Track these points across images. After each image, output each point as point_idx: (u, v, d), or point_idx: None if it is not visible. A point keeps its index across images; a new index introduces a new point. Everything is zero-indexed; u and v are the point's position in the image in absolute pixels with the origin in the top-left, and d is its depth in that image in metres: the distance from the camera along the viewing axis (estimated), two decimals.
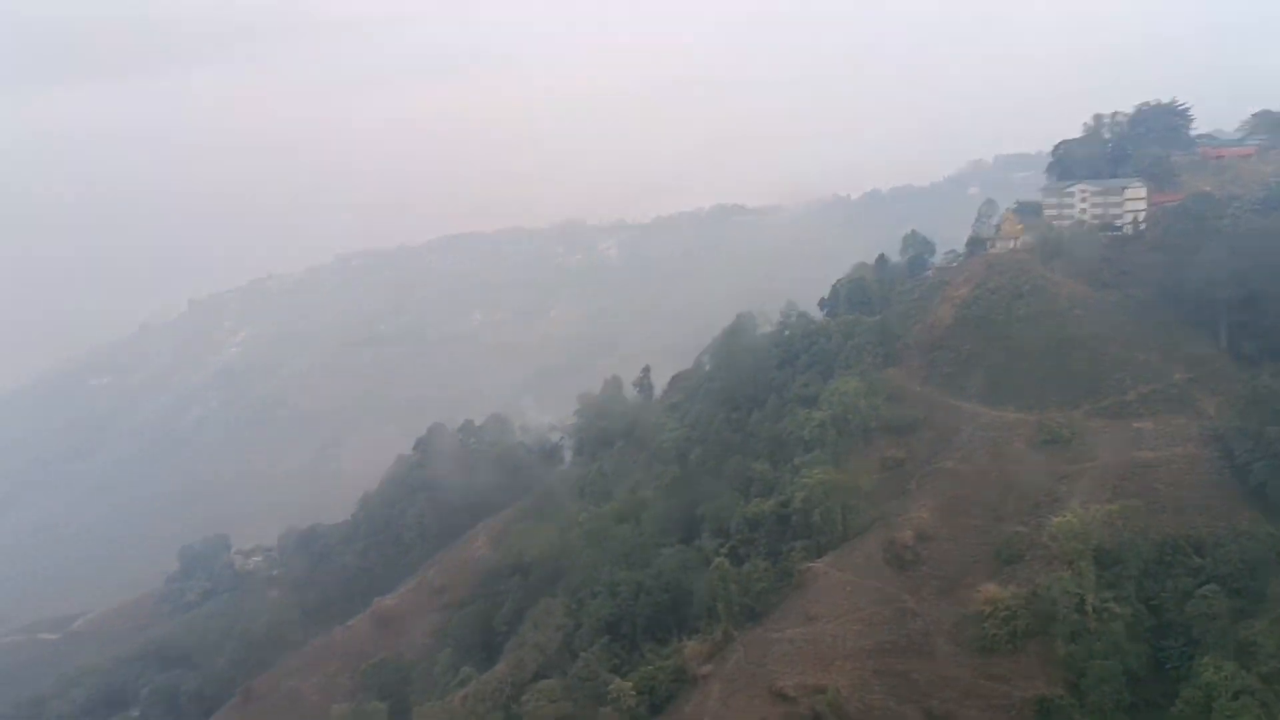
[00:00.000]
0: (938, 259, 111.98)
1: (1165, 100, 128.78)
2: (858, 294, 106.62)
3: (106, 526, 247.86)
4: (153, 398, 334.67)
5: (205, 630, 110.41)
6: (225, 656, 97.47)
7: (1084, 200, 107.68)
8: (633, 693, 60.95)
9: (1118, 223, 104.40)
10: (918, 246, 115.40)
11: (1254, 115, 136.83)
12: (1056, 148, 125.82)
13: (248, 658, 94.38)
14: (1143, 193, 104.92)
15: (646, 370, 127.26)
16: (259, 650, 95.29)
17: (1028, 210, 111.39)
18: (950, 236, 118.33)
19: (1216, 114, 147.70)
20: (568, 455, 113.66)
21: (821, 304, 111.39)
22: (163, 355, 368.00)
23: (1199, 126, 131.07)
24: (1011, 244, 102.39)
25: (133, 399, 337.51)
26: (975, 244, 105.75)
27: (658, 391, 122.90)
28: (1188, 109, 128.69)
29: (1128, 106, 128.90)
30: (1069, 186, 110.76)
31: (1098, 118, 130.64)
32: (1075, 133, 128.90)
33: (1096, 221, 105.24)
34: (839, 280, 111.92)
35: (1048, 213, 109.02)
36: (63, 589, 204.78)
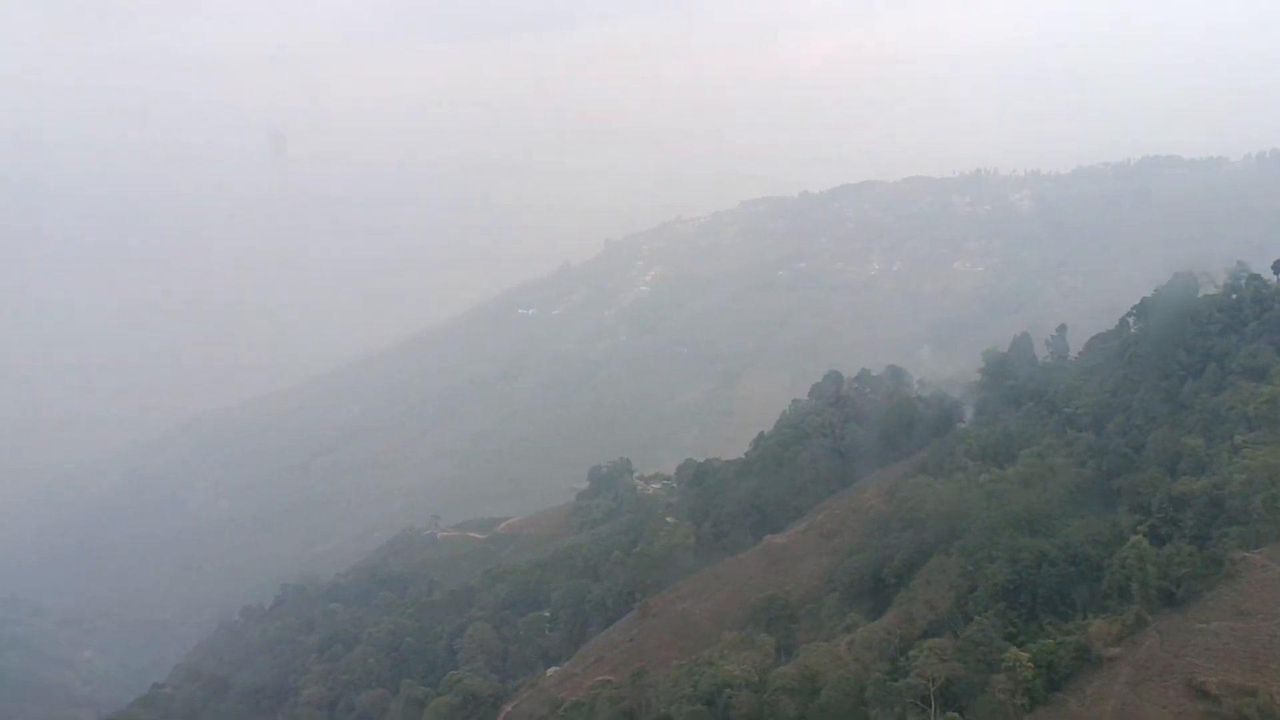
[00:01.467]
0: None
1: None
2: None
3: (527, 443, 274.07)
4: (569, 329, 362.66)
5: (609, 546, 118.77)
6: (625, 573, 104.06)
7: None
8: (1029, 664, 57.81)
9: None
10: None
11: None
12: None
13: (645, 577, 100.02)
14: None
15: (1062, 329, 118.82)
16: (655, 571, 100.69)
17: None
18: None
19: None
20: (967, 413, 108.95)
21: (1276, 267, 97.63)
22: (580, 291, 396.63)
23: None
24: None
25: (553, 330, 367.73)
26: None
27: (1072, 353, 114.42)
28: None
29: None
30: None
31: None
32: None
33: None
34: None
35: None
36: (489, 494, 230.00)
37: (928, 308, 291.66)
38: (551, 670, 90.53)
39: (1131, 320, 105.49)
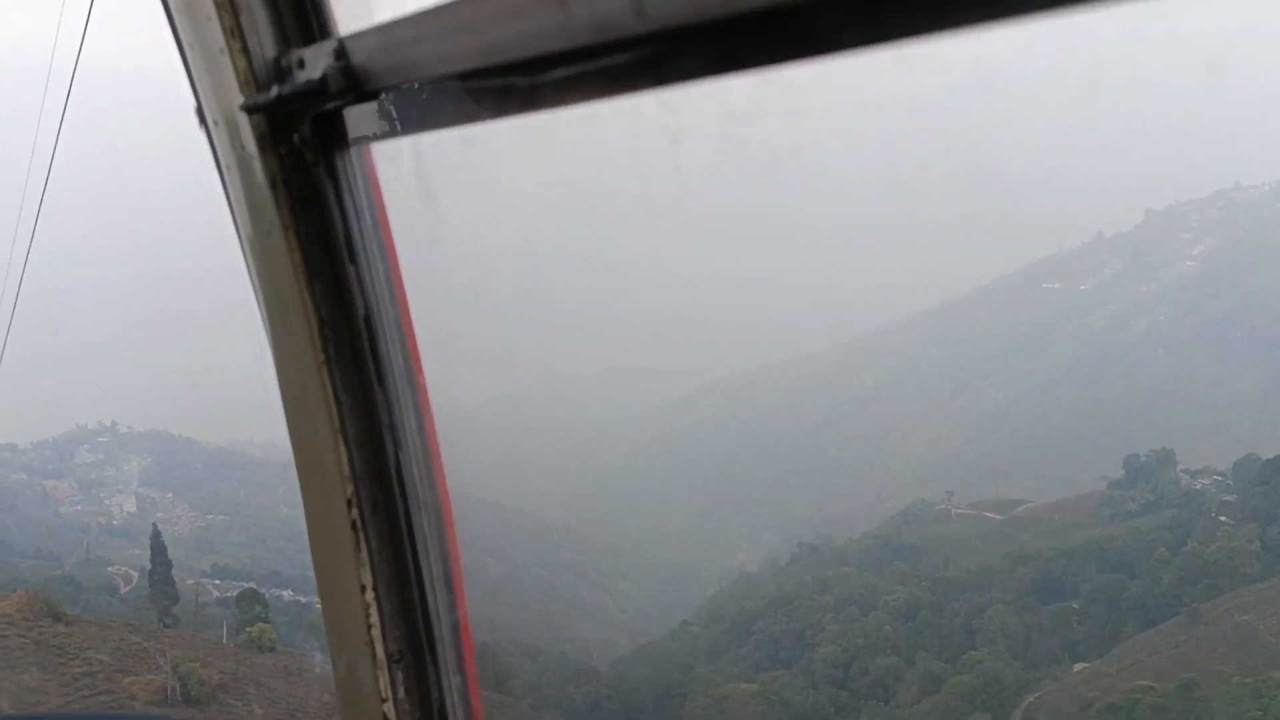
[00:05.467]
0: None
1: None
2: None
3: (1048, 423, 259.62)
4: (1099, 305, 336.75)
5: (1149, 542, 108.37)
6: (1170, 574, 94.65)
7: None
8: None
9: None
10: None
11: None
12: None
13: (1195, 580, 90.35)
14: None
15: None
16: (1208, 575, 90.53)
17: None
18: None
19: None
20: None
21: None
22: (1113, 265, 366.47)
23: None
24: None
25: (1080, 304, 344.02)
26: None
27: None
28: None
29: None
30: None
31: None
32: None
33: None
34: None
35: None
36: (1005, 473, 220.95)
37: None
38: (1080, 666, 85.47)
39: None
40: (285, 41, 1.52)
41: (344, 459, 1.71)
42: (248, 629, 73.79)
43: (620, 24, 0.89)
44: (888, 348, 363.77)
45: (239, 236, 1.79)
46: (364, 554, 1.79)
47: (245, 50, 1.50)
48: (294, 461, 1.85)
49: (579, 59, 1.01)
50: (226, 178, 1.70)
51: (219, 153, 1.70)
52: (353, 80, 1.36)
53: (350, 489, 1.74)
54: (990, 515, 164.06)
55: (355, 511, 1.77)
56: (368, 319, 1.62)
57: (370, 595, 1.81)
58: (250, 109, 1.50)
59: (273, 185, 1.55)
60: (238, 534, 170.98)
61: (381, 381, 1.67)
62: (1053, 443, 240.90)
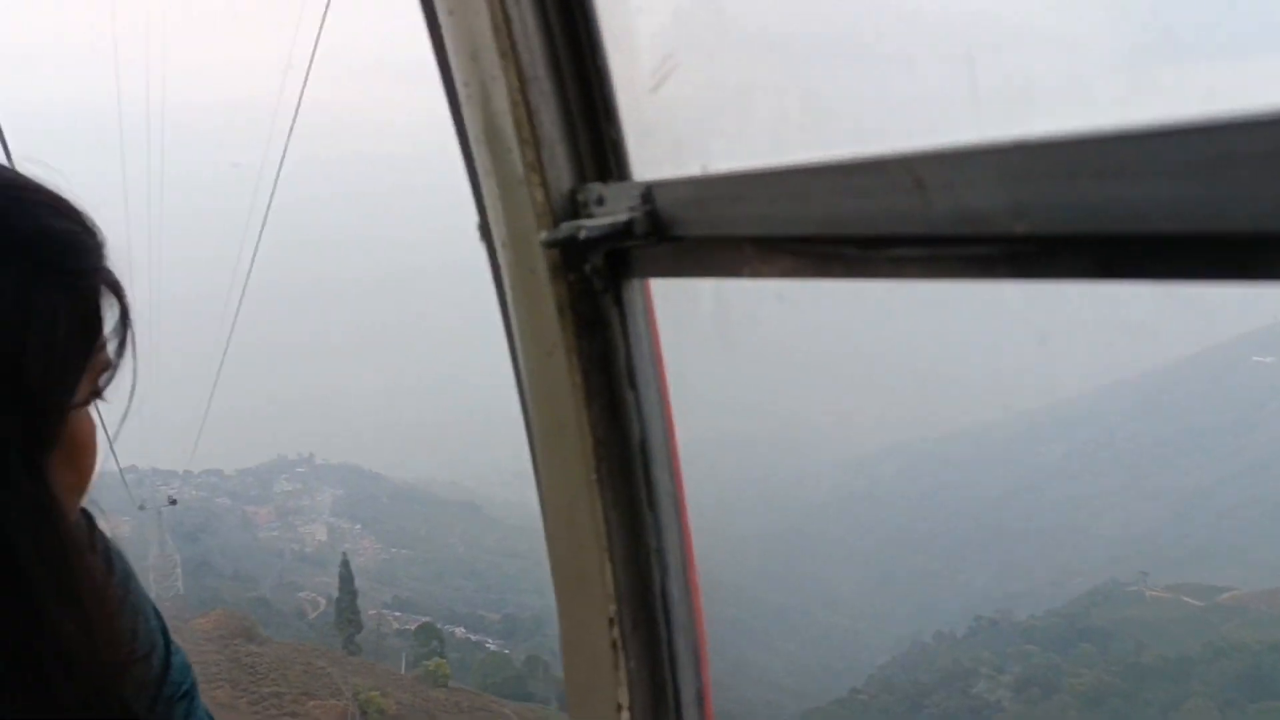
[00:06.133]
0: None
1: None
2: None
3: (1259, 506, 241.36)
4: None
5: None
6: None
7: None
8: None
9: None
10: None
11: None
12: None
13: None
14: None
15: None
16: None
17: None
18: None
19: None
20: None
21: None
22: None
23: None
24: None
25: None
26: None
27: None
28: None
29: None
30: None
31: None
32: None
33: None
34: None
35: None
36: (1208, 557, 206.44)
37: None
38: None
39: None
40: (581, 175, 1.58)
41: (608, 577, 1.71)
42: (424, 662, 76.07)
43: (992, 221, 0.87)
44: (1080, 418, 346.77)
45: (512, 350, 1.83)
46: (622, 673, 1.80)
47: (544, 183, 1.55)
48: (551, 574, 1.89)
49: (932, 243, 0.99)
50: (510, 297, 1.77)
51: (504, 273, 1.77)
52: (657, 225, 1.41)
53: (613, 607, 1.75)
54: (1190, 600, 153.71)
55: (616, 630, 1.77)
56: (643, 443, 1.65)
57: (626, 715, 1.81)
58: (551, 244, 1.55)
59: (560, 310, 1.60)
60: (419, 568, 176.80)
61: (652, 505, 1.70)
62: (1263, 527, 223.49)
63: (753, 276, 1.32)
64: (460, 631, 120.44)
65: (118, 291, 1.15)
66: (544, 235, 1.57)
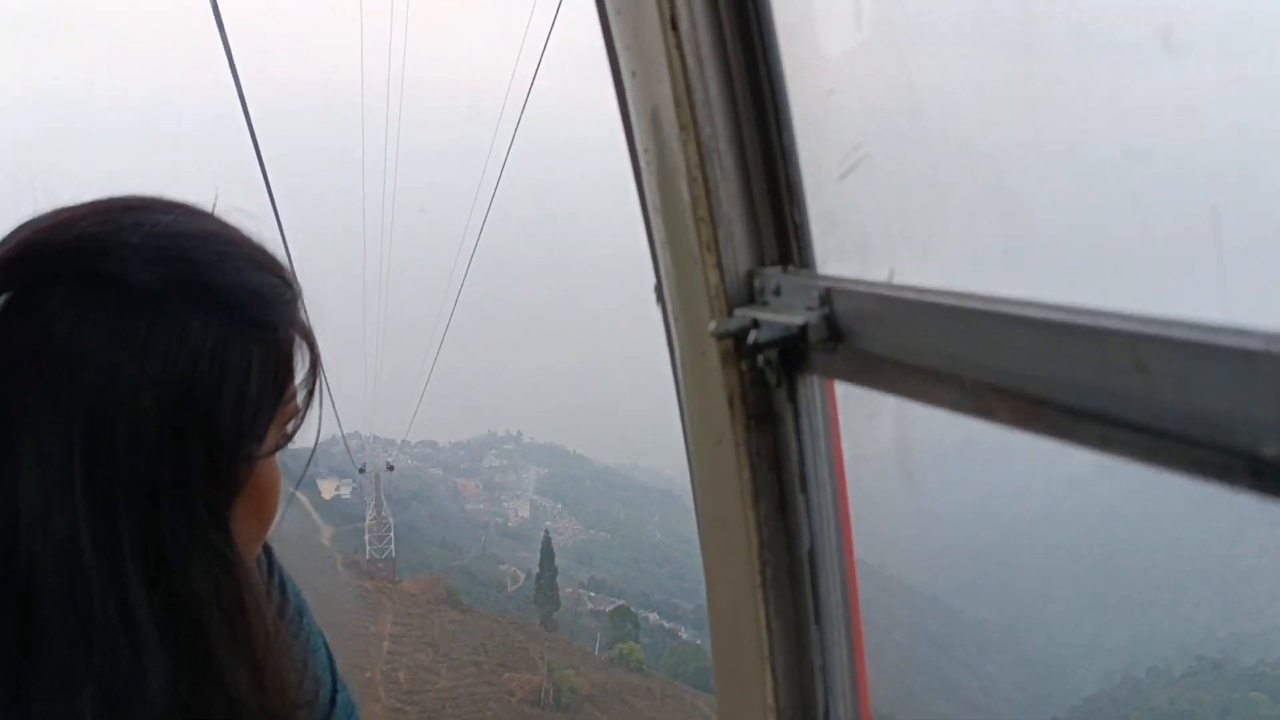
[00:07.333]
0: None
1: None
2: None
3: None
4: None
5: None
6: None
7: None
8: None
9: None
10: None
11: None
12: None
13: None
14: None
15: None
16: None
17: None
18: None
19: None
20: None
21: None
22: None
23: None
24: None
25: None
26: None
27: None
28: None
29: None
30: None
31: None
32: None
33: None
34: None
35: None
36: None
37: None
38: None
39: None
40: (760, 259, 1.51)
41: (769, 688, 1.60)
42: (619, 645, 76.20)
43: (1232, 433, 0.73)
44: None
45: (685, 432, 1.78)
46: None
47: (719, 264, 1.49)
48: (714, 676, 1.78)
49: (1155, 434, 0.84)
50: (680, 374, 1.71)
51: (675, 349, 1.70)
52: (835, 331, 1.31)
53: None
54: None
55: None
56: (812, 552, 1.54)
57: None
58: (721, 336, 1.49)
59: (730, 400, 1.53)
60: (615, 551, 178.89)
61: (819, 620, 1.57)
62: None
63: (936, 406, 1.18)
64: (654, 617, 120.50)
65: (310, 341, 1.17)
66: (714, 326, 1.49)
